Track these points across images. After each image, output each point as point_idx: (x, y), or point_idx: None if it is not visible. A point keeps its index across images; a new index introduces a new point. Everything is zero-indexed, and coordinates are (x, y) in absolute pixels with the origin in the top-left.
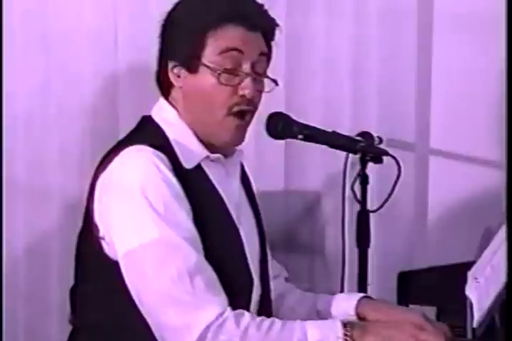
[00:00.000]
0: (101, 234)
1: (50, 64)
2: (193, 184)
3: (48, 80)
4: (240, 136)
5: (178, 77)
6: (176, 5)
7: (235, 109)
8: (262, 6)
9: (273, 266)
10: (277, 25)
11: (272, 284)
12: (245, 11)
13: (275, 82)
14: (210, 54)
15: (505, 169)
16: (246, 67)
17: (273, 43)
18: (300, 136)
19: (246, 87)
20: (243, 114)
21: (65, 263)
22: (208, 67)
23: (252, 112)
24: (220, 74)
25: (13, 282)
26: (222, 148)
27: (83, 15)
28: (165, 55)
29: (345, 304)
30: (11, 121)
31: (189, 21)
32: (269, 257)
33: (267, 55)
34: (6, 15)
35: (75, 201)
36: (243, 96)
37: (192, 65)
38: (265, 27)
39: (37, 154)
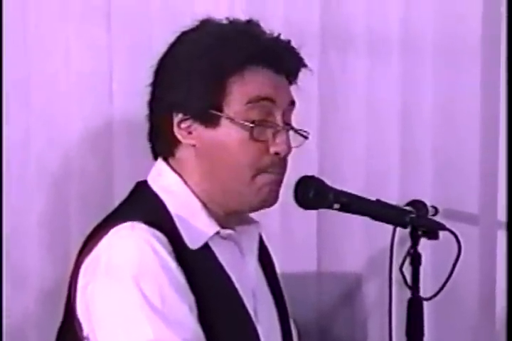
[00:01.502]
0: (84, 333)
1: (31, 114)
2: (199, 269)
3: (28, 134)
4: (274, 193)
5: (189, 133)
6: (176, 43)
7: (267, 170)
8: (289, 42)
9: None
10: (305, 65)
11: None
12: (274, 50)
13: (305, 136)
14: (234, 103)
15: None
16: (278, 118)
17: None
18: (336, 206)
19: (282, 143)
20: (275, 175)
21: None
22: (232, 119)
23: (284, 173)
24: (252, 127)
25: None
26: (240, 218)
27: (71, 57)
28: (166, 106)
29: None
30: None
31: (203, 64)
32: None
33: (294, 104)
34: None
35: (57, 286)
36: (277, 154)
37: (210, 117)
38: (293, 69)
39: (12, 226)
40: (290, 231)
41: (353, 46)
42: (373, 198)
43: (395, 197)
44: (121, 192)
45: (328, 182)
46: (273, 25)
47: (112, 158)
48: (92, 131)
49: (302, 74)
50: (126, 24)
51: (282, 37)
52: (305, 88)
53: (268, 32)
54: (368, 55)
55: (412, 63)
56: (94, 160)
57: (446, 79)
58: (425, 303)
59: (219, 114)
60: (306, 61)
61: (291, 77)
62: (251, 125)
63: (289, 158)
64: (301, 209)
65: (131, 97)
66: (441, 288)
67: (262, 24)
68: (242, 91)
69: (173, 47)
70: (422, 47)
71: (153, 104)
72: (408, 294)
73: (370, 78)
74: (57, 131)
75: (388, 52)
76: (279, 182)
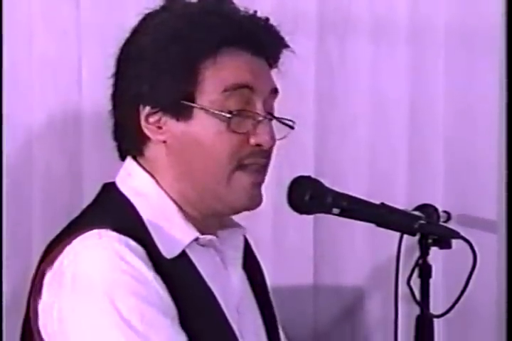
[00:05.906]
0: None
1: None
2: (176, 282)
3: None
4: (257, 195)
5: (159, 128)
6: (140, 28)
7: (247, 161)
8: (267, 20)
9: None
10: (287, 46)
11: None
12: (249, 29)
13: (290, 126)
14: (209, 92)
15: None
16: (259, 107)
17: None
18: (335, 210)
19: (264, 134)
20: (257, 168)
21: None
22: (207, 110)
23: (267, 165)
24: (230, 118)
25: None
26: (221, 222)
27: (34, 40)
28: (131, 99)
29: None
30: None
31: (171, 49)
32: None
33: (277, 91)
34: None
35: (15, 302)
36: (258, 145)
37: (181, 109)
38: (273, 50)
39: None
40: (283, 239)
41: (355, 31)
42: (377, 202)
43: (402, 200)
44: (92, 194)
45: (327, 184)
46: (263, 6)
47: (80, 154)
48: (57, 125)
49: (296, 64)
50: (97, 2)
51: (259, 14)
52: (300, 80)
53: (243, 9)
54: (371, 41)
55: (422, 51)
56: (60, 158)
57: (461, 70)
58: (436, 321)
59: (191, 104)
60: (301, 48)
61: (272, 60)
62: (228, 115)
63: (283, 158)
64: (295, 214)
65: (103, 86)
66: (454, 304)
67: (246, 4)
68: (216, 77)
69: (136, 32)
70: (433, 32)
71: (116, 97)
72: (416, 310)
73: (374, 68)
74: (17, 125)
75: (395, 39)
76: (260, 184)
